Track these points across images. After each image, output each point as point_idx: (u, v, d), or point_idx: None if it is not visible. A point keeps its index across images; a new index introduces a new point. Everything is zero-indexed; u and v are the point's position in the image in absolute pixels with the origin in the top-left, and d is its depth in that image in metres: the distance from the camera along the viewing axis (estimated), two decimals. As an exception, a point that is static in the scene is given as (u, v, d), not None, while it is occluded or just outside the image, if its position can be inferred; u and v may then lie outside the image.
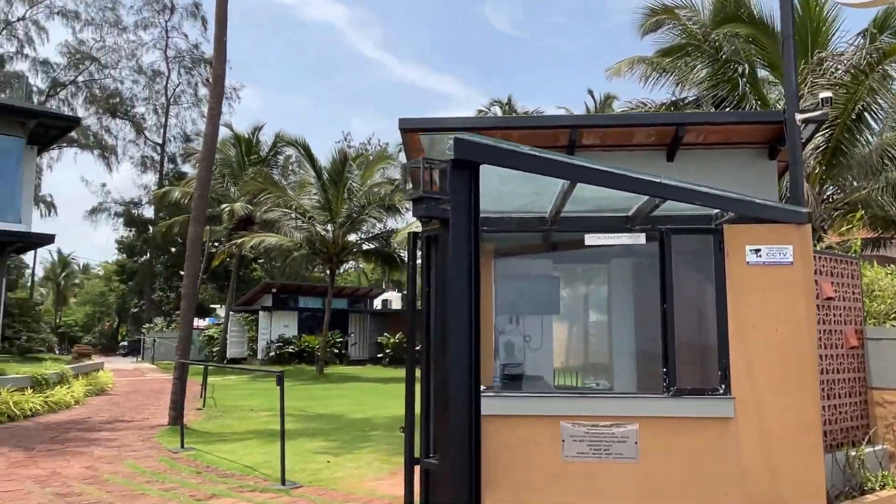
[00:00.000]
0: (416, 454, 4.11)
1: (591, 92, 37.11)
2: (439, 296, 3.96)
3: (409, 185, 3.57)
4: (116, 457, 8.89)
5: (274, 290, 33.93)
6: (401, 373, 27.72)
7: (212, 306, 43.70)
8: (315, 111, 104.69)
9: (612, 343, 6.92)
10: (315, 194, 25.55)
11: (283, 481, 7.18)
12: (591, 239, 5.36)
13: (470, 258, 3.77)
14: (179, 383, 10.91)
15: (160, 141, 48.20)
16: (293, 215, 25.36)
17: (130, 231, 51.61)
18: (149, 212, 49.66)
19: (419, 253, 4.43)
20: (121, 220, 50.23)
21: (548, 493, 4.82)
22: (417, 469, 4.18)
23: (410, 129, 5.83)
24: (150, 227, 48.37)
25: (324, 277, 52.53)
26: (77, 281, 71.33)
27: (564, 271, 7.24)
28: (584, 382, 7.46)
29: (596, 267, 7.30)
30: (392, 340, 32.56)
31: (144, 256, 52.29)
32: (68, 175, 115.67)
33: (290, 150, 33.15)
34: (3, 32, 41.78)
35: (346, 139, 49.31)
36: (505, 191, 4.79)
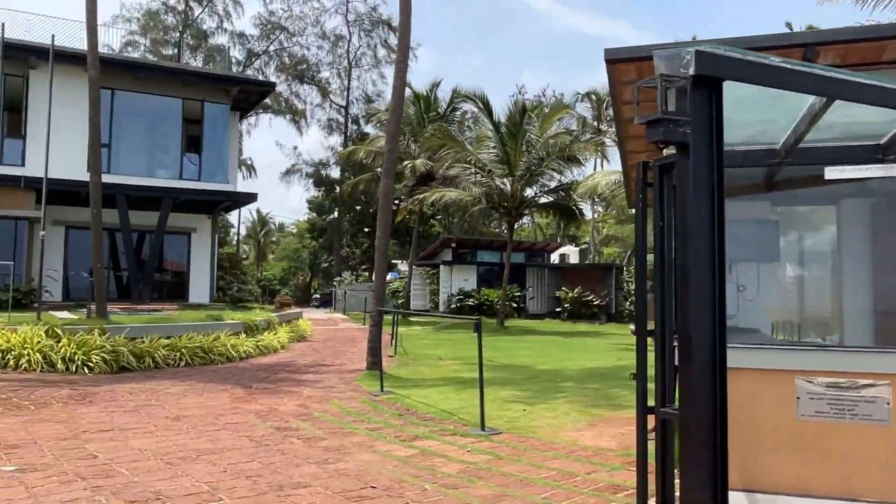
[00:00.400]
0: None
1: (789, 25, 33.55)
2: (676, 231, 3.53)
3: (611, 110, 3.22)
4: (323, 397, 9.44)
5: (453, 245, 34.66)
6: (581, 327, 27.48)
7: (393, 262, 45.64)
8: (485, 68, 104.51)
9: (842, 294, 6.17)
10: (493, 148, 25.51)
11: (483, 427, 7.21)
12: (832, 173, 4.69)
13: (713, 187, 3.30)
14: (376, 330, 11.37)
15: (344, 103, 50.58)
16: (472, 170, 25.53)
17: (320, 191, 54.95)
18: (335, 172, 52.53)
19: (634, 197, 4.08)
20: (311, 180, 53.66)
21: (780, 453, 4.37)
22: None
23: (618, 60, 5.40)
24: (337, 187, 51.19)
25: (500, 232, 52.95)
26: (274, 238, 77.53)
27: (784, 214, 6.53)
28: (805, 337, 6.77)
29: (821, 209, 6.52)
30: (570, 295, 32.16)
31: (332, 214, 55.56)
32: (264, 140, 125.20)
33: (466, 106, 33.33)
34: (206, 9, 45.56)
35: (520, 92, 48.90)
36: (736, 119, 4.28)
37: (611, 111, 36.25)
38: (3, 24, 15.17)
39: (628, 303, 33.60)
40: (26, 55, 18.85)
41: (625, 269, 36.05)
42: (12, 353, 10.69)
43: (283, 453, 6.13)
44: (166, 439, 6.56)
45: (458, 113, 34.03)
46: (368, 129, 48.14)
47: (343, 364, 13.68)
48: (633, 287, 33.46)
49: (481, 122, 29.38)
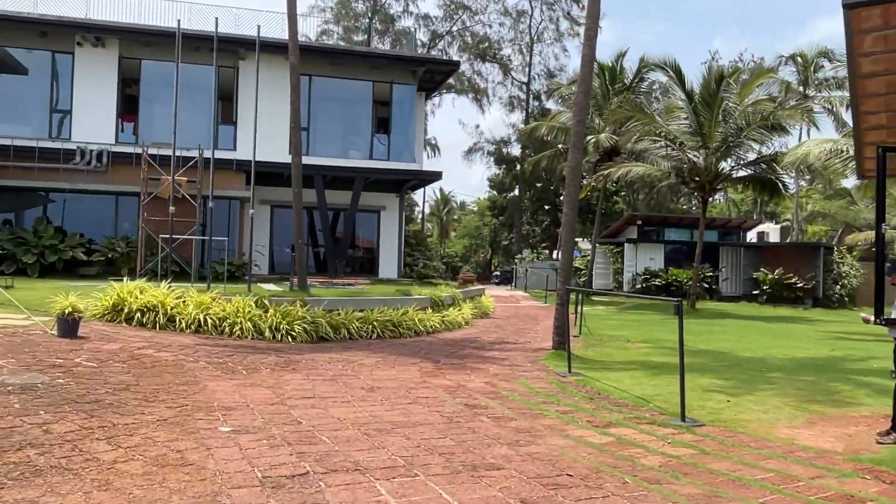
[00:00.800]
0: None
1: None
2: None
3: None
4: (510, 375, 9.33)
5: (639, 223, 33.26)
6: (783, 312, 25.32)
7: (575, 239, 44.81)
8: (671, 37, 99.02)
9: None
10: (685, 119, 23.95)
11: (683, 417, 6.68)
12: None
13: None
14: (563, 309, 11.07)
15: (525, 80, 50.20)
16: (662, 143, 24.17)
17: (500, 168, 55.20)
18: (516, 149, 52.45)
19: None
20: (492, 158, 54.01)
21: None
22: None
23: (859, 4, 4.62)
24: (518, 164, 51.09)
25: (689, 209, 50.15)
26: (456, 216, 79.41)
27: None
28: None
29: None
30: (770, 277, 29.69)
31: (513, 192, 55.63)
32: (447, 120, 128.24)
33: (653, 76, 31.69)
34: (393, -6, 47.13)
35: (713, 58, 45.66)
36: None
37: (820, 74, 32.48)
38: (216, 19, 16.53)
39: (839, 286, 30.41)
40: (236, 47, 20.50)
41: (835, 249, 32.63)
42: (227, 321, 11.68)
43: (474, 432, 6.06)
44: (362, 410, 6.75)
45: (644, 84, 32.36)
46: (550, 104, 47.48)
47: (527, 342, 13.54)
48: (845, 269, 30.23)
49: (671, 91, 27.70)
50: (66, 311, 9.70)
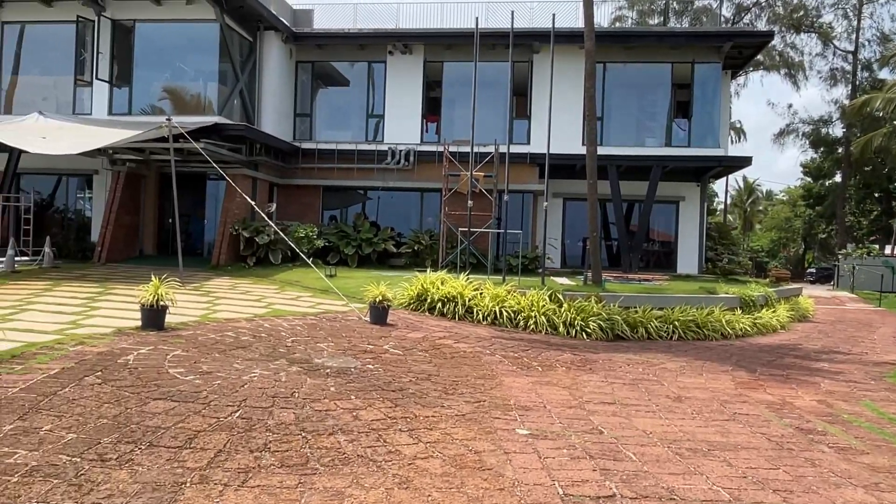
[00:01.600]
0: None
1: None
2: None
3: None
4: (848, 394, 7.78)
5: None
6: None
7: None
8: None
9: None
10: None
11: None
12: None
13: None
14: (919, 317, 9.01)
15: (851, 48, 43.60)
16: None
17: (817, 152, 48.85)
18: (837, 129, 45.96)
19: None
20: (807, 140, 47.91)
21: None
22: None
23: None
24: (840, 147, 44.73)
25: None
26: (761, 207, 72.38)
27: None
28: None
29: None
30: None
31: (832, 178, 48.96)
32: (751, 102, 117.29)
33: None
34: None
35: None
36: None
37: None
38: (512, 13, 16.66)
39: None
40: (530, 41, 20.56)
41: None
42: (522, 314, 11.58)
43: (814, 464, 4.98)
44: (670, 423, 5.99)
45: None
46: (884, 74, 40.69)
47: (863, 354, 11.43)
48: None
49: None
50: (378, 300, 10.34)
